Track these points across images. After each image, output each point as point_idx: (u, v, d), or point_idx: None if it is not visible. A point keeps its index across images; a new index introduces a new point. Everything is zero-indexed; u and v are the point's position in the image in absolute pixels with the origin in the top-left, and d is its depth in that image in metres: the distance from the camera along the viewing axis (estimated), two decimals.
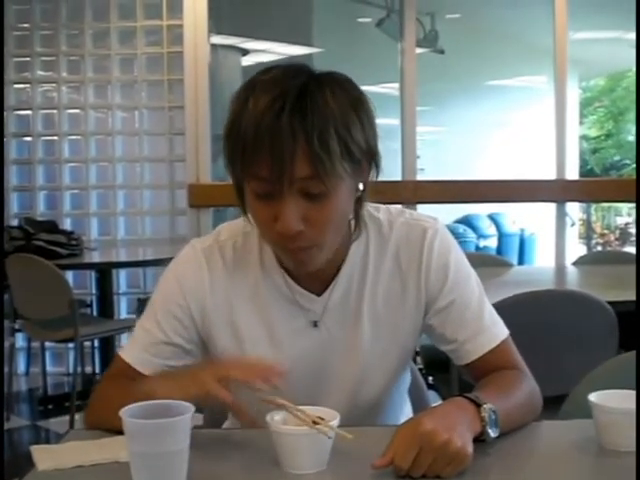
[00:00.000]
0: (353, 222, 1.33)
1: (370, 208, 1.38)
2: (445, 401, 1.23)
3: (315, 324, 1.36)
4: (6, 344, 4.23)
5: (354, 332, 1.37)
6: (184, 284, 1.36)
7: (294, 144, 1.14)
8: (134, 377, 1.33)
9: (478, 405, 1.17)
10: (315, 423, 1.09)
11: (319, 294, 1.36)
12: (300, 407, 1.14)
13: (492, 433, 1.16)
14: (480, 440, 1.15)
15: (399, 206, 1.43)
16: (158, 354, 1.35)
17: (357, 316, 1.37)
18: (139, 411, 1.07)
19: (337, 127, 1.17)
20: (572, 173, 6.78)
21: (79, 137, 5.14)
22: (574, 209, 7.98)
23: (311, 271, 1.28)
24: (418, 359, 2.97)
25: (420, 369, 2.33)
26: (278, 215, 1.18)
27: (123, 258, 4.89)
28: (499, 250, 8.75)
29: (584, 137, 11.38)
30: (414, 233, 1.37)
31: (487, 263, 3.64)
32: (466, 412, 1.16)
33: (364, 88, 1.26)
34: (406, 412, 1.56)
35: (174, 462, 1.05)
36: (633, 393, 1.19)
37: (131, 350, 1.38)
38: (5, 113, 4.99)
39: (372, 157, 1.26)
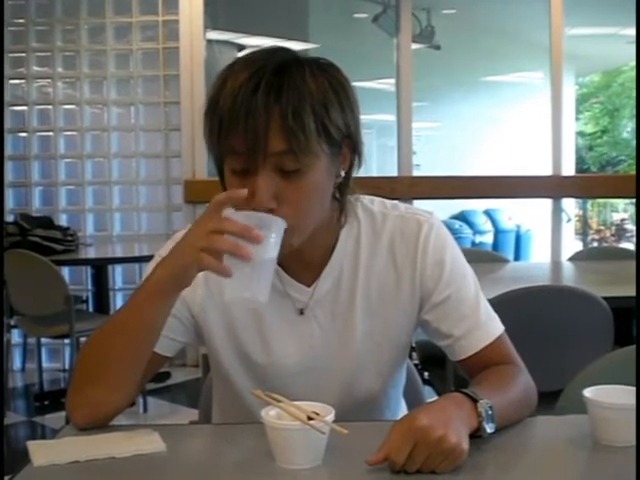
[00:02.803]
0: (339, 212, 1.32)
1: (365, 200, 1.38)
2: (441, 396, 1.22)
3: (301, 312, 1.36)
4: None
5: (346, 325, 1.36)
6: None
7: (268, 119, 1.15)
8: None
9: (475, 400, 1.17)
10: (310, 418, 1.09)
11: (309, 285, 1.36)
12: (295, 402, 1.14)
13: (488, 429, 1.16)
14: (476, 436, 1.15)
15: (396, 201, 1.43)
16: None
17: (350, 309, 1.36)
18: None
19: (314, 104, 1.17)
20: (568, 169, 6.79)
21: (74, 133, 5.13)
22: (570, 205, 7.99)
23: (285, 253, 1.23)
24: (414, 354, 2.97)
25: (416, 364, 2.33)
26: (253, 192, 1.17)
27: (119, 254, 4.89)
28: (495, 246, 8.75)
29: (580, 133, 11.39)
30: (409, 227, 1.37)
31: (483, 259, 3.64)
32: (462, 408, 1.15)
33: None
34: (402, 409, 1.56)
35: (262, 270, 1.12)
36: (628, 388, 1.19)
37: None
38: None
39: (353, 144, 1.26)
